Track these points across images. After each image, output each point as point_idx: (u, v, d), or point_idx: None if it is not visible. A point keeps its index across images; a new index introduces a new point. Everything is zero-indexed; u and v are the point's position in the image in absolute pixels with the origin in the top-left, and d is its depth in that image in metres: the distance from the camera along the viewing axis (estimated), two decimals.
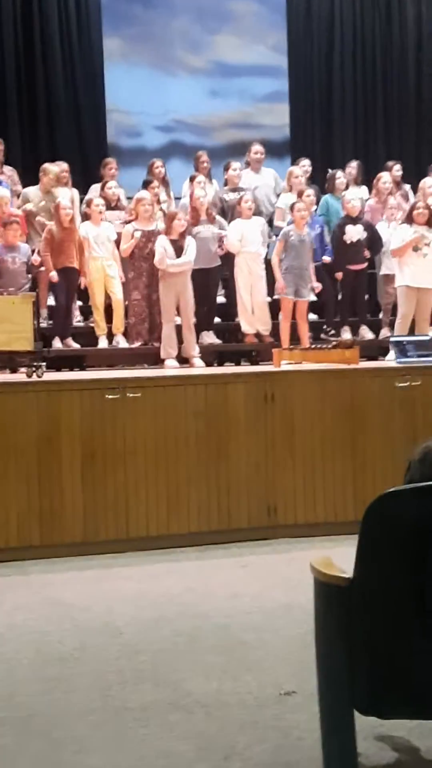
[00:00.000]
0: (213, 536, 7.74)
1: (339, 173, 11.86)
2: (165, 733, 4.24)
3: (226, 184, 11.69)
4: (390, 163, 12.47)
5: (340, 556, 3.69)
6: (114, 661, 5.19)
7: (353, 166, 12.30)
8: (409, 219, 10.25)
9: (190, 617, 5.93)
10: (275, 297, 10.54)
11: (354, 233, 10.87)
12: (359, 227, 10.91)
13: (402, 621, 3.37)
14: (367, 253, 10.92)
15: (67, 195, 11.02)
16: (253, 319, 10.49)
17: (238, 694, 4.65)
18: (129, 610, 6.12)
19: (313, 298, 10.74)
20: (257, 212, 10.96)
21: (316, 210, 11.39)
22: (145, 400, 7.67)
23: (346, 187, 11.74)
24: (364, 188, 12.33)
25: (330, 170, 12.30)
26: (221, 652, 5.28)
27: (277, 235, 10.93)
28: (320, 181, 12.44)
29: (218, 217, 10.83)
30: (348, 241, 10.85)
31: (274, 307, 10.69)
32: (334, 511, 7.95)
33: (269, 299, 10.68)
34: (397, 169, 12.26)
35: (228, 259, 10.68)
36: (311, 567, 3.64)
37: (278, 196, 11.84)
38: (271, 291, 10.71)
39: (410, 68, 15.55)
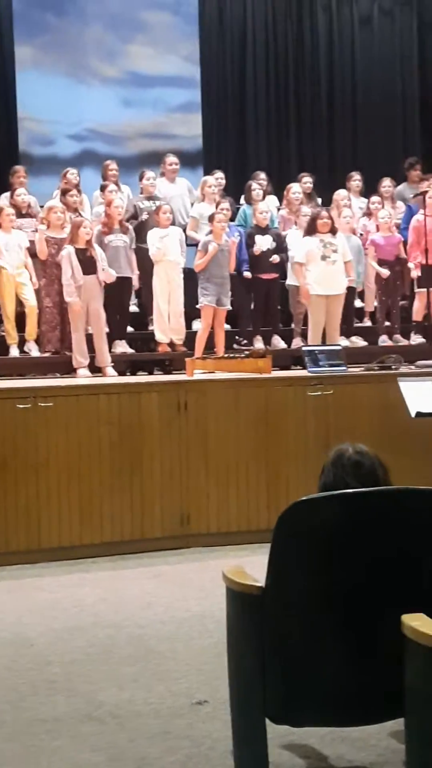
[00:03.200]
0: (126, 546, 7.71)
1: (255, 184, 11.93)
2: (77, 744, 4.21)
3: (141, 193, 11.69)
4: (300, 175, 12.59)
5: (253, 565, 3.71)
6: (25, 673, 5.14)
7: (262, 178, 12.37)
8: (312, 230, 10.34)
9: (103, 627, 5.90)
10: (197, 306, 10.55)
11: (263, 243, 10.95)
12: (268, 237, 10.98)
13: (314, 629, 3.39)
14: (276, 258, 10.96)
15: None
16: (167, 328, 10.49)
17: (150, 704, 4.64)
18: (41, 620, 6.07)
19: (230, 307, 10.77)
20: (173, 222, 10.97)
21: (233, 220, 11.44)
22: (58, 409, 7.62)
23: (263, 198, 11.81)
24: (274, 198, 12.40)
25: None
26: (134, 662, 5.27)
27: (191, 245, 10.98)
28: (233, 192, 12.48)
29: (130, 227, 10.81)
30: (257, 251, 10.92)
31: (188, 317, 10.71)
32: (247, 519, 7.97)
33: (183, 308, 10.69)
34: (306, 181, 12.37)
35: (144, 268, 10.69)
36: (224, 576, 3.65)
37: (192, 205, 11.87)
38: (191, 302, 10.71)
39: (322, 80, 15.68)
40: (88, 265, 9.68)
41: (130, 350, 10.60)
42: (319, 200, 12.26)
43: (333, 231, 10.36)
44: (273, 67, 15.54)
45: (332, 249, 10.26)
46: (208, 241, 10.34)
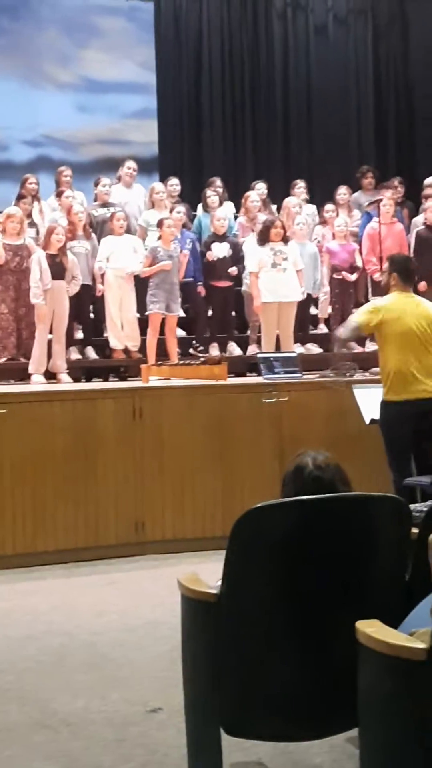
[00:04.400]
0: (80, 553, 7.68)
1: (210, 191, 11.92)
2: (30, 753, 4.19)
3: (96, 200, 11.65)
4: (253, 183, 12.61)
5: (208, 572, 3.70)
6: None
7: (218, 185, 12.37)
8: (265, 238, 10.35)
9: (57, 635, 5.87)
10: (146, 313, 10.51)
11: (219, 251, 10.95)
12: (225, 245, 10.99)
13: (268, 636, 3.39)
14: (234, 270, 10.99)
15: None
16: (121, 335, 10.45)
17: (104, 712, 4.62)
18: None
19: (181, 313, 10.76)
20: (127, 229, 10.94)
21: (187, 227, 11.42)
22: (11, 416, 7.58)
23: (220, 205, 11.81)
24: (231, 204, 12.41)
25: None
26: (88, 670, 5.24)
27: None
28: (189, 199, 12.48)
29: (93, 234, 10.78)
30: (211, 258, 10.92)
31: (143, 323, 10.68)
32: (202, 526, 7.97)
33: (138, 315, 10.66)
34: (259, 188, 12.38)
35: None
36: (178, 583, 3.64)
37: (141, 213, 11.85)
38: (140, 307, 10.68)
39: (278, 87, 15.72)
40: (58, 271, 9.63)
41: (94, 356, 10.59)
42: (274, 207, 12.28)
43: (285, 239, 10.38)
44: (228, 74, 15.55)
45: (282, 257, 10.27)
46: (156, 247, 10.31)
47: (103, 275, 10.44)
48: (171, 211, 11.11)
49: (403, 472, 7.18)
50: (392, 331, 7.23)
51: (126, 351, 10.48)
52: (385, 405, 7.31)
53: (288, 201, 12.00)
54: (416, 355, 7.24)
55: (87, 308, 10.74)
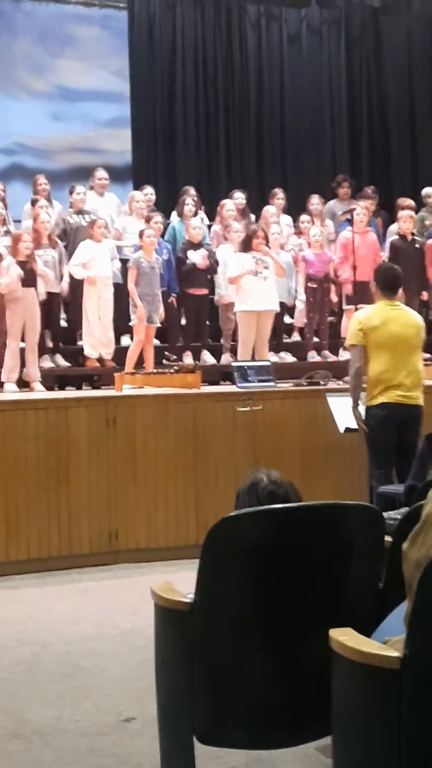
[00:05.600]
0: (53, 562, 7.65)
1: (189, 199, 11.92)
2: (3, 763, 4.16)
3: (71, 207, 11.64)
4: (231, 192, 12.63)
5: (182, 581, 3.69)
6: None
7: (192, 194, 12.38)
8: (247, 246, 10.36)
9: (30, 644, 5.84)
10: (130, 323, 10.50)
11: (195, 258, 10.96)
12: (202, 251, 11.00)
13: (242, 645, 3.39)
14: (205, 259, 10.98)
15: None
16: (96, 343, 10.43)
17: (77, 722, 4.60)
18: None
19: (158, 324, 10.73)
20: None
21: (163, 236, 11.43)
22: None
23: (195, 214, 11.82)
24: (203, 214, 12.43)
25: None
26: (61, 680, 5.22)
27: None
28: (162, 208, 12.47)
29: (59, 242, 10.76)
30: (191, 264, 10.93)
31: (116, 332, 10.67)
32: (175, 535, 7.95)
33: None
34: (238, 197, 12.40)
35: (73, 282, 10.64)
36: (152, 592, 3.63)
37: (118, 217, 11.85)
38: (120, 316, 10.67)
39: (251, 96, 15.74)
40: (28, 278, 9.58)
41: (65, 363, 10.56)
42: (253, 217, 12.30)
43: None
44: (202, 83, 15.57)
45: (264, 266, 10.31)
46: (138, 258, 10.31)
47: (81, 281, 10.41)
48: (147, 221, 11.10)
49: (383, 479, 7.19)
50: (376, 340, 7.26)
51: (99, 359, 10.46)
52: (367, 410, 7.33)
53: (266, 210, 12.03)
54: (401, 362, 7.28)
55: (57, 315, 10.72)
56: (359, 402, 7.41)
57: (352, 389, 7.43)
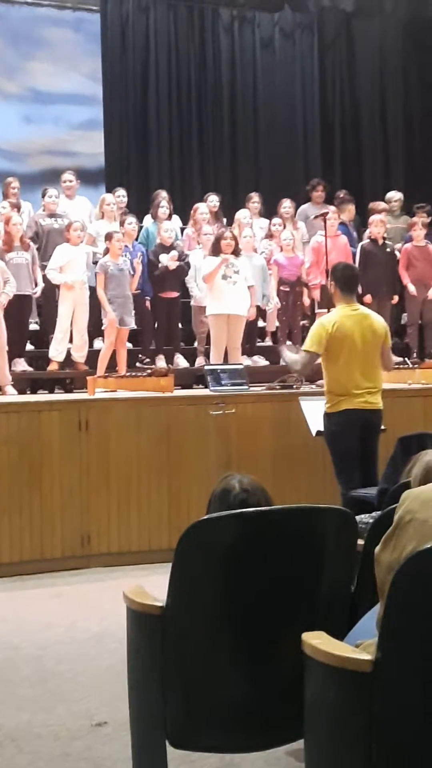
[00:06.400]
0: (25, 566, 7.62)
1: (164, 202, 11.91)
2: None
3: (43, 210, 11.61)
4: (206, 195, 12.64)
5: (154, 585, 3.69)
6: None
7: (164, 197, 12.37)
8: (217, 250, 10.36)
9: (2, 649, 5.82)
10: (102, 327, 10.48)
11: (166, 261, 10.95)
12: (173, 253, 10.99)
13: (214, 649, 3.39)
14: (174, 254, 10.98)
15: None
16: (65, 347, 10.40)
17: (49, 726, 4.58)
18: None
19: (134, 326, 10.71)
20: None
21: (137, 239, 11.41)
22: None
23: (169, 217, 11.82)
24: (177, 218, 12.43)
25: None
26: (33, 684, 5.21)
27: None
28: (135, 210, 12.46)
29: (32, 244, 10.72)
30: (162, 267, 10.92)
31: (90, 335, 10.65)
32: (148, 539, 7.94)
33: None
34: (212, 200, 12.42)
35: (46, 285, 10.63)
36: (124, 596, 3.62)
37: (91, 223, 11.82)
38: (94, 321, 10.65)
39: (225, 100, 15.74)
40: None
41: (30, 368, 10.51)
42: (225, 220, 12.32)
43: (236, 252, 10.38)
44: (175, 86, 15.56)
45: (234, 270, 10.29)
46: (105, 262, 10.28)
47: (57, 286, 10.39)
48: (122, 223, 11.10)
49: (350, 484, 7.19)
50: (337, 345, 7.21)
51: (67, 362, 10.42)
52: (329, 416, 7.32)
53: (240, 214, 12.04)
54: (364, 368, 7.25)
55: (27, 319, 10.67)
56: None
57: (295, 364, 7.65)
